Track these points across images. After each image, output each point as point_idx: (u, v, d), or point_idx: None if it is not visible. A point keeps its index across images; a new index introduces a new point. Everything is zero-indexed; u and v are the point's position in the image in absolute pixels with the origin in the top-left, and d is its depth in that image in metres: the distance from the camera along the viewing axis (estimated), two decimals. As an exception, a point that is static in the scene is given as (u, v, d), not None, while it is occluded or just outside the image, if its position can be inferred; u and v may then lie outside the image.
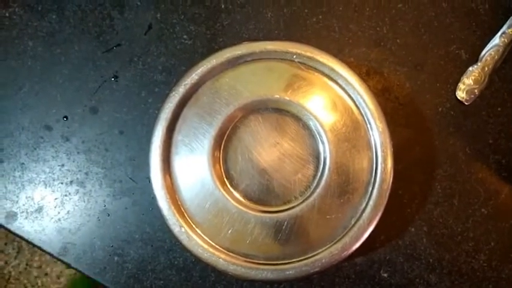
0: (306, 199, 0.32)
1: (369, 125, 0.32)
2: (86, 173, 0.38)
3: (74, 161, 0.38)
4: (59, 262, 0.90)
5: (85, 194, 0.38)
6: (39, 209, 0.38)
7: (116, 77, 0.38)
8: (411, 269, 0.37)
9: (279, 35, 0.38)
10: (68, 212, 0.38)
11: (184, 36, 0.39)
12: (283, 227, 0.31)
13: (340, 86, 0.33)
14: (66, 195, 0.38)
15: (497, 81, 0.38)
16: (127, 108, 0.38)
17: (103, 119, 0.38)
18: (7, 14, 0.39)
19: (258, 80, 0.33)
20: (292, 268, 0.31)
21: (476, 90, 0.37)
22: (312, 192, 0.32)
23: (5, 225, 0.38)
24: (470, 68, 0.38)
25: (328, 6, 0.39)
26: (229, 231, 0.32)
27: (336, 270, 0.37)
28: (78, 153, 0.38)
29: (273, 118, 0.33)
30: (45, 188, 0.38)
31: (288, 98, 0.32)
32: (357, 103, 0.32)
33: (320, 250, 0.32)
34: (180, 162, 0.32)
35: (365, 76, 0.38)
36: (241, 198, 0.32)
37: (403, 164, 0.37)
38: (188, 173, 0.32)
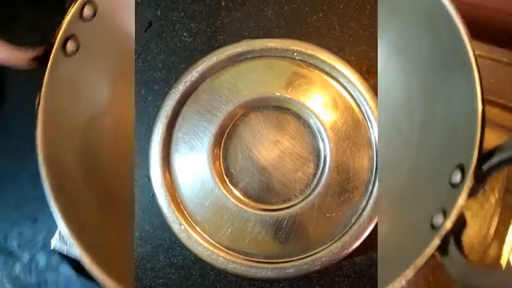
0: (306, 197, 0.32)
1: (369, 123, 0.32)
2: (85, 171, 0.38)
3: (73, 159, 0.38)
4: (57, 260, 0.90)
5: (84, 191, 0.38)
6: (38, 207, 0.38)
7: (115, 74, 0.38)
8: (411, 268, 0.37)
9: (279, 32, 0.38)
10: (67, 209, 0.38)
11: (185, 34, 0.38)
12: (283, 225, 0.31)
13: (340, 84, 0.33)
14: (65, 193, 0.38)
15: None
16: (126, 105, 0.38)
17: (102, 116, 0.38)
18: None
19: (258, 77, 0.33)
20: (292, 266, 0.31)
21: (477, 89, 0.37)
22: (312, 191, 0.32)
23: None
24: (471, 67, 0.38)
25: (329, 4, 0.38)
26: (229, 230, 0.32)
27: (335, 269, 0.37)
28: (77, 150, 0.38)
29: (273, 116, 0.32)
30: (44, 185, 0.38)
31: (288, 96, 0.32)
32: (358, 101, 0.32)
33: (320, 248, 0.32)
34: (180, 160, 0.32)
35: (366, 74, 0.38)
36: (241, 197, 0.32)
37: (403, 162, 0.37)
38: (188, 170, 0.32)
